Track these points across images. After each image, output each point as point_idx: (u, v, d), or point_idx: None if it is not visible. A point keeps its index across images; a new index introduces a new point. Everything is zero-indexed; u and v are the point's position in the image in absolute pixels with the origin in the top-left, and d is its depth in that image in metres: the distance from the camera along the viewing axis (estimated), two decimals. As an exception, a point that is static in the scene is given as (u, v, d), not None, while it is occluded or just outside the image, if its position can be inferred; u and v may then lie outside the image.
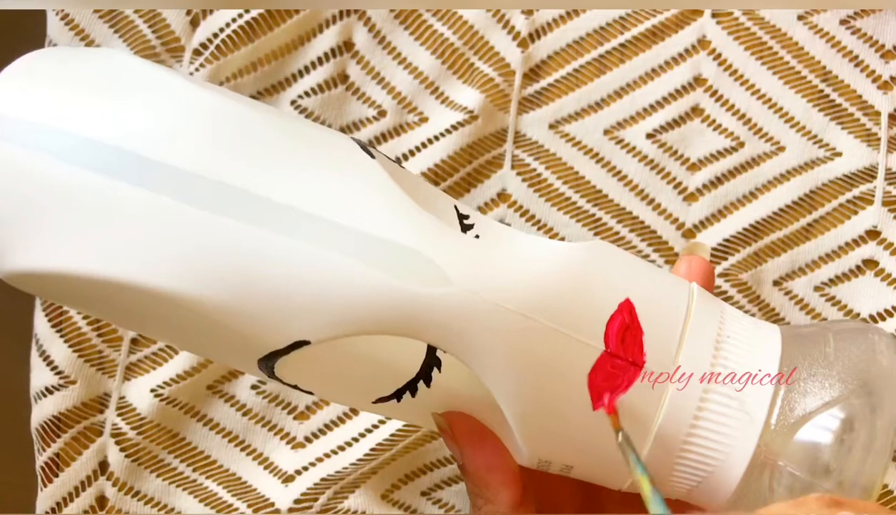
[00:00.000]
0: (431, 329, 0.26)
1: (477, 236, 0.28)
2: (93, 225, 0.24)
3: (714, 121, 0.42)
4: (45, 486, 0.42)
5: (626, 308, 0.27)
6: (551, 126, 0.42)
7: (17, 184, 0.24)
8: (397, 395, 0.28)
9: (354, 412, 0.42)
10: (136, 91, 0.25)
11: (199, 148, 0.24)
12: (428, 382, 0.28)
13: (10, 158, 0.24)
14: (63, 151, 0.24)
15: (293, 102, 0.42)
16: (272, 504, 0.42)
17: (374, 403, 0.29)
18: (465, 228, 0.29)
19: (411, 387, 0.28)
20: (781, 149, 0.42)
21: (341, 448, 0.42)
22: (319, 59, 0.42)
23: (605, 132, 0.42)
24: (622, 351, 0.27)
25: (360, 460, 0.41)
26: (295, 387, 0.29)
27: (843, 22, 0.42)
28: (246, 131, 0.25)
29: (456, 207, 0.30)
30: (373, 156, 0.27)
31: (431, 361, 0.29)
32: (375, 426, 0.42)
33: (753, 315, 0.41)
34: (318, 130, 0.28)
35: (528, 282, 0.27)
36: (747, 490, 0.27)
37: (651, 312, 0.27)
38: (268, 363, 0.26)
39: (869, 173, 0.41)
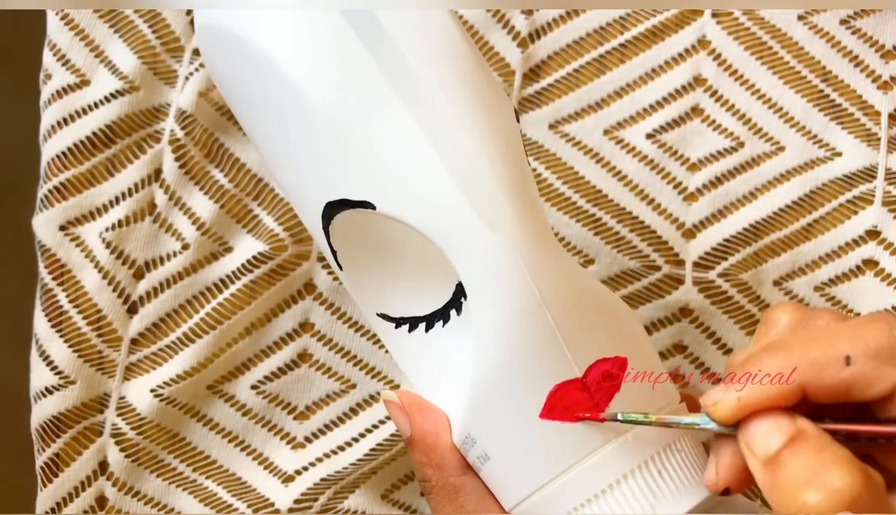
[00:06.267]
0: (467, 257, 0.28)
1: None
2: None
3: (714, 121, 0.42)
4: (45, 486, 0.42)
5: (620, 363, 0.29)
6: (551, 126, 0.42)
7: None
8: (442, 314, 0.30)
9: (354, 412, 0.42)
10: None
11: (426, 61, 0.29)
12: (446, 319, 0.30)
13: None
14: None
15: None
16: (272, 504, 0.42)
17: (394, 318, 0.31)
18: None
19: (443, 314, 0.30)
20: (781, 149, 0.42)
21: (341, 449, 0.42)
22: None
23: (605, 132, 0.42)
24: (593, 390, 0.28)
25: (360, 460, 0.41)
26: (333, 255, 0.31)
27: (843, 22, 0.42)
28: (463, 73, 0.29)
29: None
30: (518, 121, 0.31)
31: (459, 294, 0.31)
32: (375, 427, 0.42)
33: (753, 315, 0.41)
34: (495, 89, 0.31)
35: (566, 283, 0.29)
36: None
37: (637, 385, 0.29)
38: (332, 210, 0.29)
39: (869, 173, 0.41)
